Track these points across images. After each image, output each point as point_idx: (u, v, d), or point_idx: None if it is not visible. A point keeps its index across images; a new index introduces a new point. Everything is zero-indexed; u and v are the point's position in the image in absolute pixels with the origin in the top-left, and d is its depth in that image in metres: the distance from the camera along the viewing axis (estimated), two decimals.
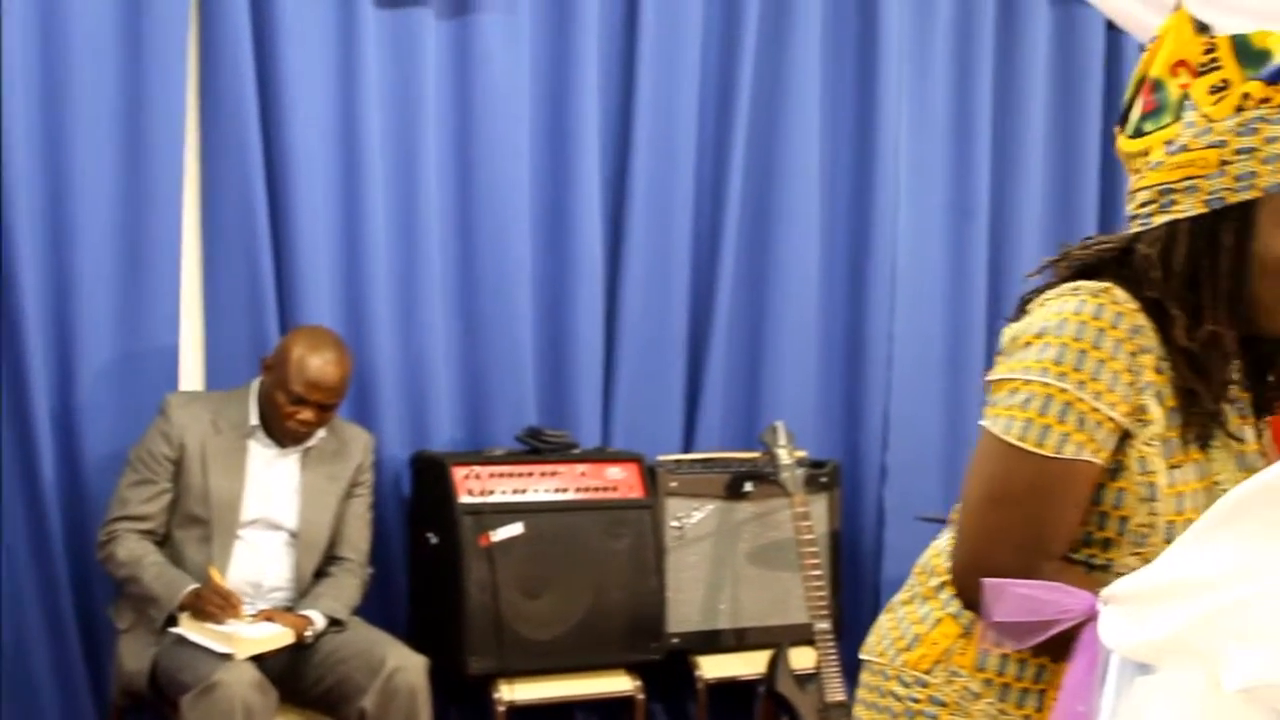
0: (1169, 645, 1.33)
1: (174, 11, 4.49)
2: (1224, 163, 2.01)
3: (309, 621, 4.23)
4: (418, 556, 4.78)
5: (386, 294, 4.83)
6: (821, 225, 5.48)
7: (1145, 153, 2.10)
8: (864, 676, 2.19)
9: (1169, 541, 1.86)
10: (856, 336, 5.57)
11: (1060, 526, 1.97)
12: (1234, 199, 2.00)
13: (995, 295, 5.74)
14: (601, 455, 4.94)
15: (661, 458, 5.02)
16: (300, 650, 4.21)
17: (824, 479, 5.14)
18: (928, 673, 2.08)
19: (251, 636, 4.06)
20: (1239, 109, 2.03)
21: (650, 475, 4.88)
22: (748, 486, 5.01)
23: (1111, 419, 1.95)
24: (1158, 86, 2.09)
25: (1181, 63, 2.10)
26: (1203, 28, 2.11)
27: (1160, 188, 2.08)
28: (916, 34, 5.60)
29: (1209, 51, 2.09)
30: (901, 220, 5.58)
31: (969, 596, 1.95)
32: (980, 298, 5.70)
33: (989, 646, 1.65)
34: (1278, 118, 2.02)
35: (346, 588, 4.40)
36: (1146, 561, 1.86)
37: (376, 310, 4.82)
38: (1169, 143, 2.06)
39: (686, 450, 5.26)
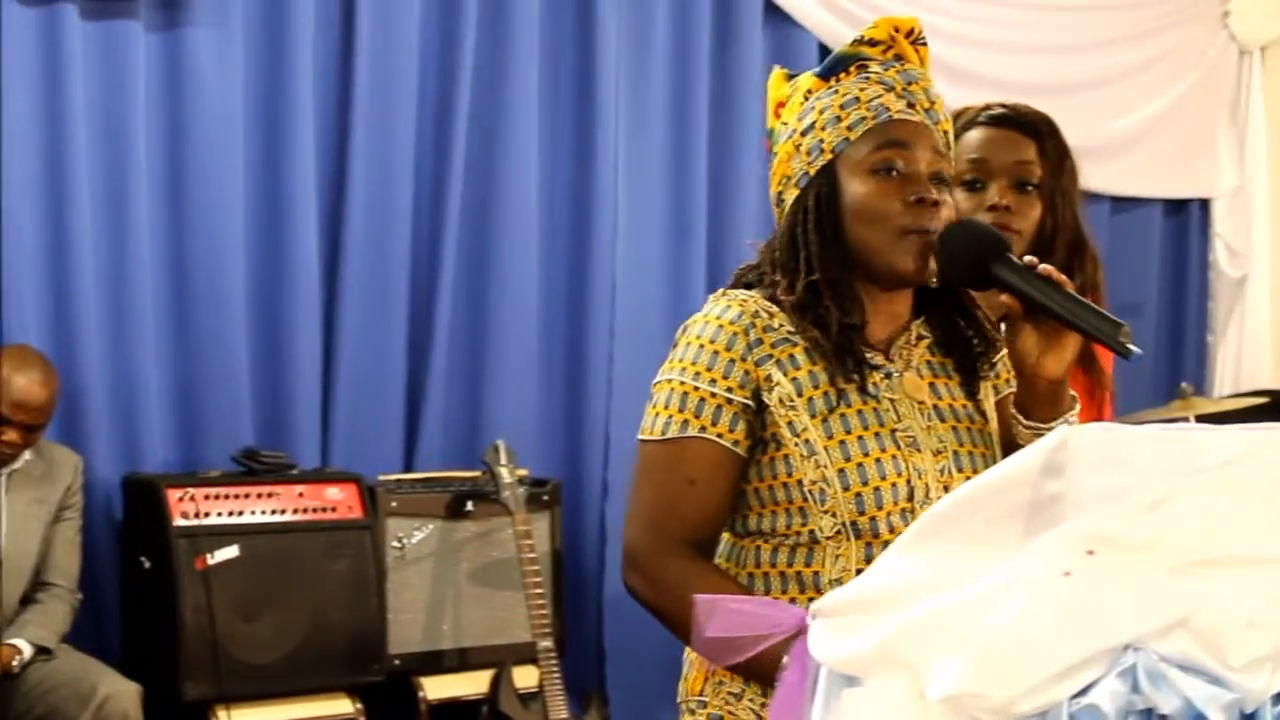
0: (874, 656, 1.39)
1: None
2: (797, 147, 2.31)
3: (16, 650, 4.21)
4: (130, 581, 4.76)
5: (95, 312, 4.81)
6: (541, 243, 5.59)
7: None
8: None
9: (847, 490, 2.15)
10: (577, 354, 5.69)
11: (684, 505, 2.22)
12: (813, 169, 2.29)
13: None
14: (320, 475, 4.97)
15: (382, 477, 5.07)
16: (7, 680, 4.17)
17: (545, 497, 5.24)
18: (701, 692, 2.27)
19: None
20: (803, 104, 2.34)
21: (370, 495, 4.93)
22: (469, 506, 5.08)
23: (714, 394, 2.22)
24: (769, 135, 2.41)
25: (780, 104, 2.40)
26: (791, 77, 2.42)
27: (773, 199, 2.38)
28: (634, 53, 5.76)
29: (793, 85, 2.39)
30: (620, 239, 5.73)
31: (628, 585, 2.23)
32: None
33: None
34: (826, 92, 2.32)
35: (55, 615, 4.37)
36: (838, 520, 2.15)
37: (85, 328, 4.79)
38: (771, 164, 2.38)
39: (407, 470, 5.32)
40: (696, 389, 2.23)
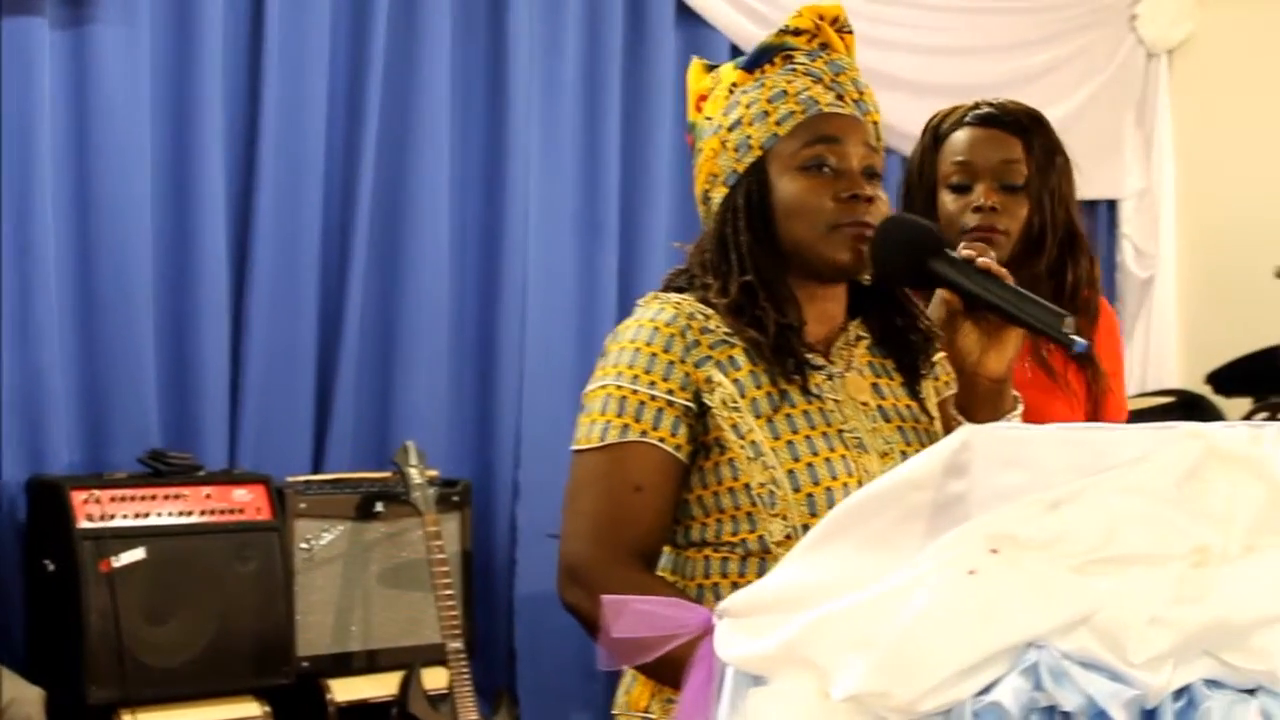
0: (780, 656, 1.40)
1: None
2: (724, 144, 2.29)
3: None
4: (34, 585, 4.70)
5: None
6: (452, 243, 5.58)
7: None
8: None
9: (798, 491, 2.11)
10: (488, 354, 5.68)
11: (630, 513, 2.17)
12: (741, 166, 2.27)
13: (625, 310, 5.89)
14: (228, 477, 4.93)
15: (290, 479, 5.04)
16: None
17: (456, 498, 5.23)
18: (647, 709, 2.28)
19: None
20: (728, 99, 2.31)
21: (278, 496, 4.89)
22: (379, 507, 5.06)
23: (655, 397, 2.16)
24: (691, 129, 2.40)
25: (701, 98, 2.39)
26: (711, 68, 2.41)
27: (699, 197, 2.36)
28: (545, 52, 5.76)
29: (714, 76, 2.37)
30: (532, 238, 5.72)
31: (568, 602, 2.20)
32: (610, 313, 5.86)
33: (606, 665, 1.80)
34: (751, 85, 2.29)
35: None
36: (788, 523, 2.11)
37: None
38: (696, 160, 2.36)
39: (316, 471, 5.29)
40: (635, 392, 2.18)
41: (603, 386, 2.22)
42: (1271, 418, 5.94)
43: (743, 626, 1.49)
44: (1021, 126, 2.90)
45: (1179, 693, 1.36)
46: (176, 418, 5.07)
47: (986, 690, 1.33)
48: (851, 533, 1.45)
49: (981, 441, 1.39)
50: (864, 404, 2.24)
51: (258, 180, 5.17)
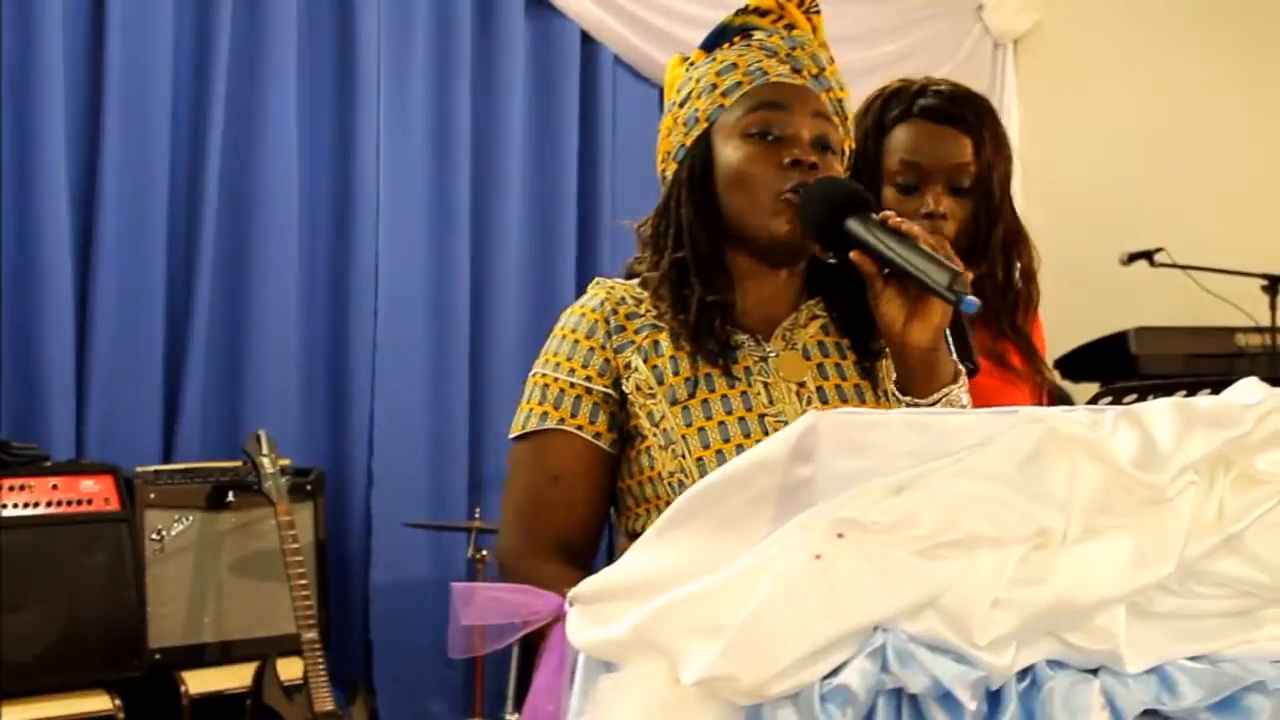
0: (630, 642, 1.40)
1: None
2: (675, 119, 2.26)
3: None
4: None
5: None
6: (302, 231, 5.53)
7: None
8: None
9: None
10: (340, 343, 5.64)
11: (548, 504, 2.13)
12: (689, 140, 2.22)
13: (477, 300, 5.90)
14: (75, 467, 4.84)
15: (140, 469, 4.96)
16: None
17: (309, 487, 5.19)
18: None
19: None
20: (684, 77, 2.29)
21: (127, 487, 4.81)
22: (230, 496, 5.00)
23: (573, 384, 2.14)
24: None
25: (671, 86, 2.35)
26: (686, 58, 2.35)
27: (660, 178, 2.31)
28: (394, 43, 5.72)
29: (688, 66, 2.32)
30: (382, 225, 5.68)
31: None
32: (463, 302, 5.84)
33: (457, 653, 1.78)
34: (702, 62, 2.27)
35: None
36: None
37: None
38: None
39: (166, 460, 5.22)
40: (556, 380, 2.16)
41: (533, 374, 2.21)
42: (1115, 402, 6.04)
43: (593, 613, 1.48)
44: (969, 123, 2.80)
45: (1023, 673, 1.38)
46: (21, 407, 4.98)
47: (834, 673, 1.34)
48: (700, 518, 1.45)
49: (827, 426, 1.39)
50: (800, 386, 2.18)
51: (102, 167, 5.08)
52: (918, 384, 2.09)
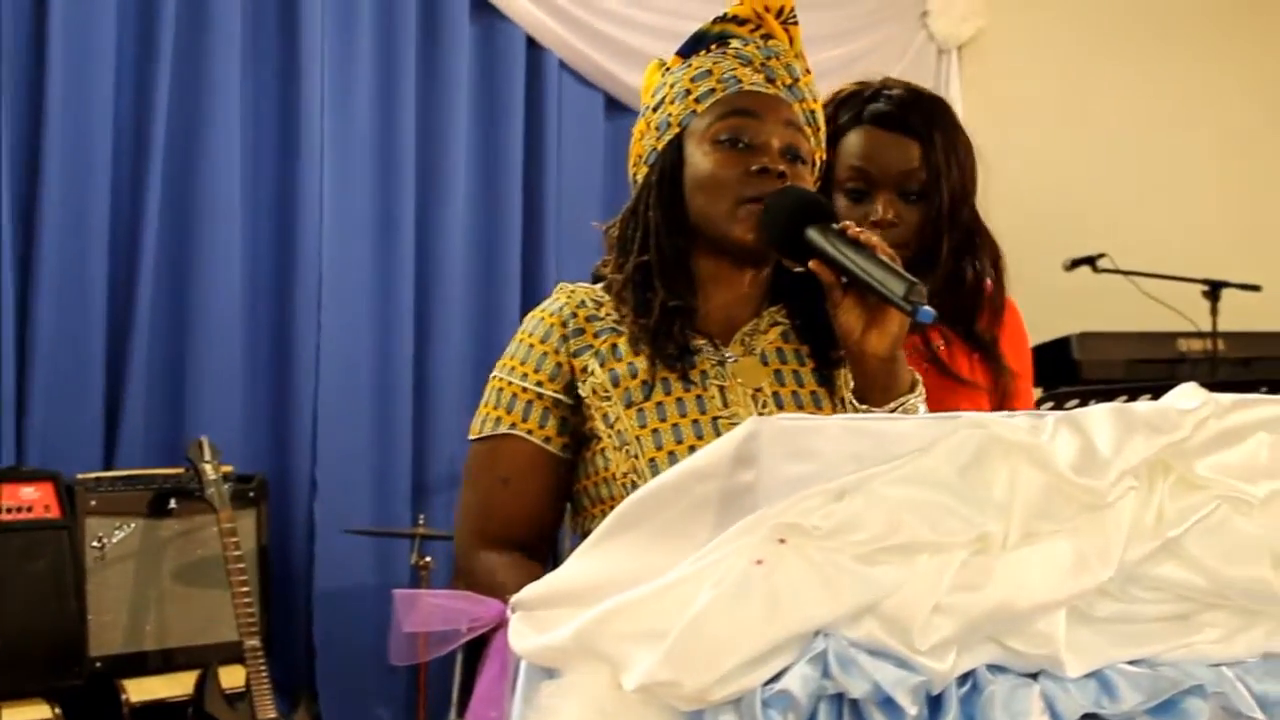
0: (572, 648, 1.41)
1: None
2: (649, 124, 2.26)
3: None
4: None
5: None
6: (244, 236, 5.49)
7: None
8: None
9: None
10: (283, 349, 5.60)
11: (498, 506, 2.15)
12: (661, 144, 2.23)
13: (421, 306, 5.87)
14: (14, 474, 4.80)
15: (80, 476, 4.92)
16: None
17: (251, 493, 5.16)
18: None
19: None
20: (659, 82, 2.29)
21: (68, 494, 4.78)
22: (172, 503, 4.97)
23: (525, 389, 2.16)
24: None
25: (647, 90, 2.34)
26: (664, 64, 2.35)
27: (631, 180, 2.31)
28: (338, 45, 5.69)
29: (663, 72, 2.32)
30: (326, 232, 5.65)
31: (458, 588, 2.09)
32: (407, 309, 5.82)
33: (398, 660, 1.78)
34: (678, 67, 2.27)
35: None
36: None
37: None
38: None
39: (107, 467, 5.17)
40: (510, 384, 2.18)
41: (492, 378, 2.23)
42: (1057, 407, 6.07)
43: (535, 620, 1.49)
44: (918, 130, 2.77)
45: (964, 678, 1.39)
46: None
47: (776, 679, 1.34)
48: (642, 524, 1.46)
49: (769, 432, 1.39)
50: (757, 391, 2.19)
51: (43, 173, 5.03)
52: (875, 393, 2.10)
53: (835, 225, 2.09)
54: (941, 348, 2.79)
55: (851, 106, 2.80)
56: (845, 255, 2.04)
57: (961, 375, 2.79)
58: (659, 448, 2.10)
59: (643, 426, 2.12)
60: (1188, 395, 1.55)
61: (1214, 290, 6.17)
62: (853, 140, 2.77)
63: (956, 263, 2.79)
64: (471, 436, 2.22)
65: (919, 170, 2.74)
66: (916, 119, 2.78)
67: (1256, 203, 7.35)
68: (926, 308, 1.97)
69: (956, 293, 2.79)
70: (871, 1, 7.30)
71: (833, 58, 7.01)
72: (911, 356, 2.40)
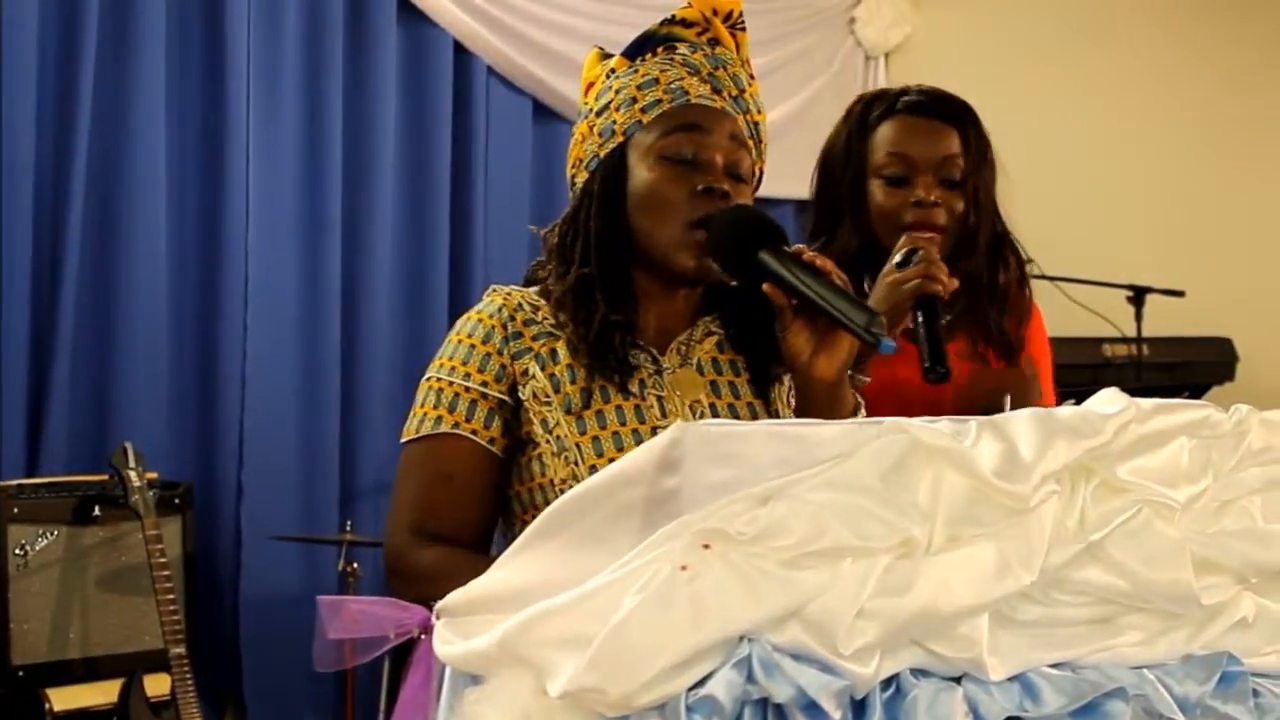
0: (496, 655, 1.41)
1: None
2: (591, 128, 2.24)
3: None
4: None
5: None
6: (169, 239, 5.44)
7: None
8: None
9: None
10: (208, 353, 5.56)
11: (440, 502, 2.14)
12: (604, 152, 2.22)
13: (349, 309, 5.85)
14: None
15: (2, 483, 4.87)
16: None
17: (177, 500, 5.12)
18: None
19: None
20: (604, 84, 2.28)
21: None
22: (96, 510, 4.93)
23: (469, 389, 2.15)
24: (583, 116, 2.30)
25: (590, 85, 2.33)
26: (606, 55, 2.35)
27: (569, 182, 2.30)
28: (265, 47, 5.65)
29: (605, 65, 2.32)
30: (253, 235, 5.61)
31: (394, 592, 2.07)
32: (334, 312, 5.79)
33: (322, 666, 1.77)
34: (624, 71, 2.26)
35: None
36: None
37: None
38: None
39: (30, 474, 5.12)
40: (452, 384, 2.17)
41: (427, 379, 2.22)
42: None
43: (459, 626, 1.49)
44: (958, 118, 2.81)
45: (887, 682, 1.40)
46: None
47: (700, 684, 1.34)
48: (567, 530, 1.46)
49: (693, 438, 1.39)
50: (695, 402, 2.19)
51: None
52: (819, 415, 2.09)
53: (788, 248, 2.09)
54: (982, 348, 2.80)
55: (882, 101, 2.84)
56: (802, 280, 2.04)
57: None
58: (599, 455, 2.10)
59: (582, 433, 2.12)
60: (1110, 400, 1.56)
61: (1138, 296, 6.22)
62: (889, 128, 2.79)
63: (991, 263, 2.80)
64: (406, 438, 2.21)
65: (958, 157, 2.77)
66: (952, 110, 2.83)
67: (1180, 209, 7.42)
68: (888, 340, 1.99)
69: (990, 295, 2.80)
70: (799, 8, 7.33)
71: (759, 64, 6.99)
72: (957, 358, 2.41)
